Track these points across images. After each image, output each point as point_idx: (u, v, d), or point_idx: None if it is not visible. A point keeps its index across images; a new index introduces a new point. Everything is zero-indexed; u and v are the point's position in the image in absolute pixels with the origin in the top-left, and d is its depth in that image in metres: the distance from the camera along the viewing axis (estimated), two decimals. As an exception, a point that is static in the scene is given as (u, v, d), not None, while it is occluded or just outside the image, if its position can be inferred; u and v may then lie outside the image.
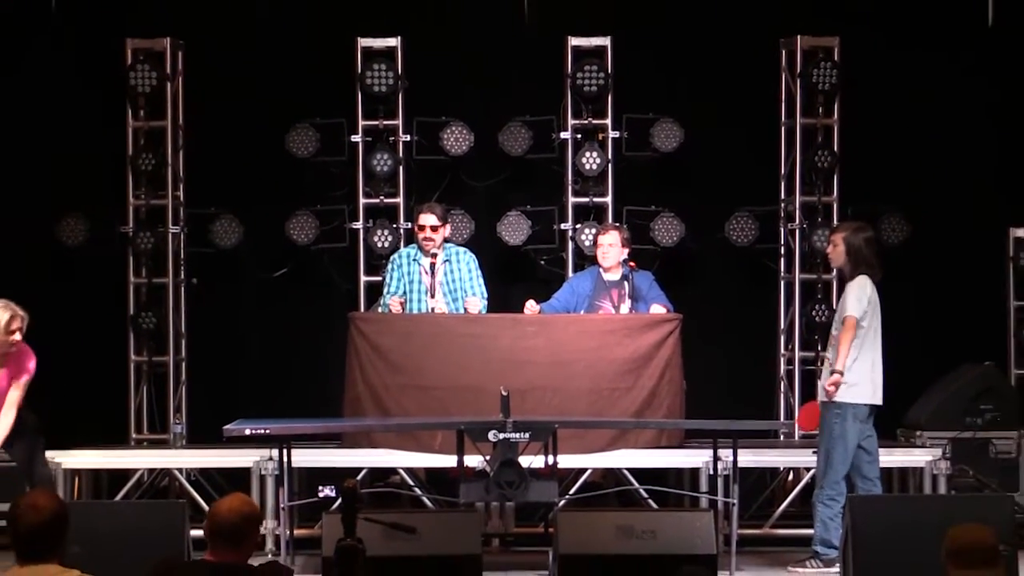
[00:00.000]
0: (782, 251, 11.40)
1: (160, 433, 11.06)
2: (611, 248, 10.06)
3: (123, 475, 10.07)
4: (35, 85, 11.09)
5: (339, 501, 5.16)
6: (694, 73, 11.31)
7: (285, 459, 8.86)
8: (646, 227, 11.11)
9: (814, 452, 9.79)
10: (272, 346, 11.38)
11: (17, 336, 8.39)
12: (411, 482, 9.77)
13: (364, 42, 11.13)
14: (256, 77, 11.19)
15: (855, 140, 11.25)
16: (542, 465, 8.37)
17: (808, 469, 10.14)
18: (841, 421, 8.66)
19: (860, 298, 8.67)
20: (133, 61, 11.04)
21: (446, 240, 10.07)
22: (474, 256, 10.15)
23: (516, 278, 11.32)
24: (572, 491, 9.56)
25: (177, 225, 11.19)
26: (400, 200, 11.21)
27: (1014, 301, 11.32)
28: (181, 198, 11.23)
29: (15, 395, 8.50)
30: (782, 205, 11.37)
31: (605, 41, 11.13)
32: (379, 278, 10.70)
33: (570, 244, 11.22)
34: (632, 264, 10.07)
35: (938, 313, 11.18)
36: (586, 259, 11.01)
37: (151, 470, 10.32)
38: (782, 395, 11.33)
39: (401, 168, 11.19)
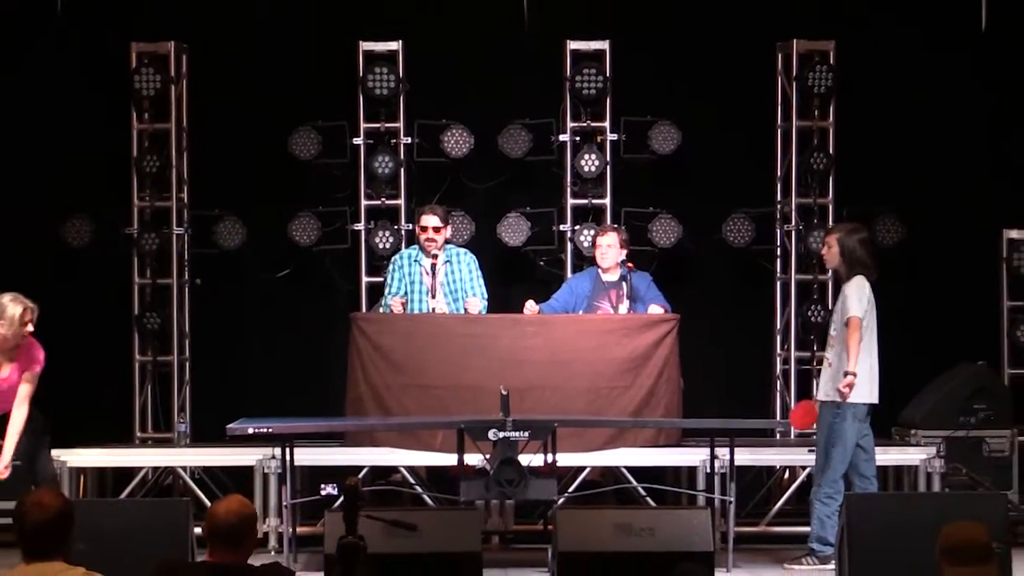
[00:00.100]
0: (778, 252, 11.39)
1: (164, 432, 11.06)
2: (609, 249, 10.07)
3: (128, 473, 10.07)
4: (41, 88, 11.09)
5: (341, 499, 5.15)
6: (692, 76, 11.31)
7: (288, 457, 8.87)
8: (644, 228, 11.11)
9: (810, 451, 9.80)
10: (275, 346, 11.38)
11: (30, 328, 8.39)
12: (412, 480, 9.77)
13: (365, 46, 11.13)
14: (259, 80, 11.19)
15: (850, 142, 11.25)
16: (541, 463, 8.37)
17: (804, 467, 10.15)
18: (841, 420, 8.65)
19: (861, 299, 8.67)
20: (138, 64, 11.04)
21: (447, 241, 10.07)
22: (474, 257, 10.15)
23: (516, 279, 11.32)
24: (571, 489, 9.55)
25: (181, 226, 11.19)
26: (401, 202, 11.21)
27: (1007, 301, 11.32)
28: (185, 200, 11.23)
29: (28, 388, 8.48)
30: (778, 207, 11.37)
31: (604, 45, 11.13)
32: (380, 279, 10.69)
33: (569, 245, 11.22)
34: (630, 265, 10.07)
35: (932, 313, 11.18)
36: (585, 260, 11.01)
37: (155, 468, 10.33)
38: (778, 394, 11.33)
39: (402, 170, 11.19)
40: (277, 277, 11.35)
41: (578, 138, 11.23)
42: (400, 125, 11.17)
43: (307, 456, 9.39)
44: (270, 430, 8.70)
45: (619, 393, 9.62)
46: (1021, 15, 11.29)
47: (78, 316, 10.72)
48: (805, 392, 10.91)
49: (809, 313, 11.22)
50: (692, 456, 9.66)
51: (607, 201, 11.21)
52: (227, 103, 11.17)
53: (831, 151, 11.25)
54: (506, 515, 9.60)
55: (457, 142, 11.13)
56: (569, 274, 11.05)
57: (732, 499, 8.92)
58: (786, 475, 10.61)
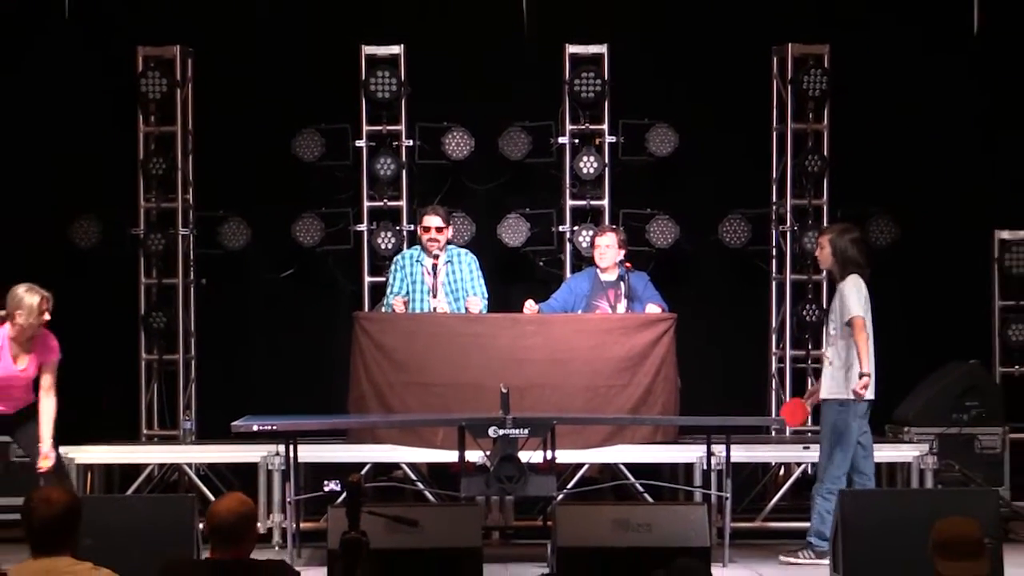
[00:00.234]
0: (773, 252, 11.39)
1: (170, 429, 11.06)
2: (608, 249, 10.06)
3: (134, 470, 10.06)
4: (49, 91, 11.08)
5: (344, 495, 5.14)
6: (689, 80, 11.30)
7: (291, 454, 8.87)
8: (642, 229, 11.11)
9: (805, 447, 9.82)
10: (279, 345, 11.38)
11: (47, 316, 8.40)
12: (413, 477, 9.77)
13: (368, 50, 11.14)
14: (263, 84, 11.19)
15: (844, 145, 11.24)
16: (541, 460, 8.36)
17: (799, 464, 10.16)
18: (843, 417, 8.65)
19: (859, 298, 8.66)
20: (144, 68, 11.04)
21: (448, 242, 10.07)
22: (475, 257, 10.15)
23: (515, 279, 11.32)
24: (570, 485, 9.55)
25: (187, 227, 11.19)
26: (403, 203, 11.21)
27: (999, 301, 11.32)
28: (190, 201, 11.23)
29: (51, 378, 8.50)
30: (773, 208, 11.37)
31: (602, 49, 11.13)
32: (383, 279, 10.69)
33: (568, 246, 11.22)
34: (628, 265, 10.06)
35: (925, 312, 11.18)
36: (583, 260, 11.01)
37: (161, 465, 10.32)
38: (773, 392, 11.33)
39: (404, 172, 11.19)
40: (281, 277, 11.35)
41: (577, 140, 11.23)
42: (402, 127, 11.17)
43: (310, 453, 9.39)
44: (274, 427, 8.70)
45: (617, 391, 9.61)
46: (1013, 18, 11.29)
47: (85, 315, 10.70)
48: (800, 390, 10.92)
49: (804, 312, 11.22)
50: (689, 453, 9.65)
51: (605, 202, 11.21)
52: (232, 106, 11.17)
53: (826, 153, 11.25)
54: (506, 511, 9.60)
55: (458, 144, 11.12)
56: (568, 274, 11.05)
57: (728, 495, 8.92)
58: (781, 471, 10.60)
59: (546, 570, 8.06)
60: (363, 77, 11.08)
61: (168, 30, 11.12)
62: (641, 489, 9.70)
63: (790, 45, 11.21)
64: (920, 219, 11.22)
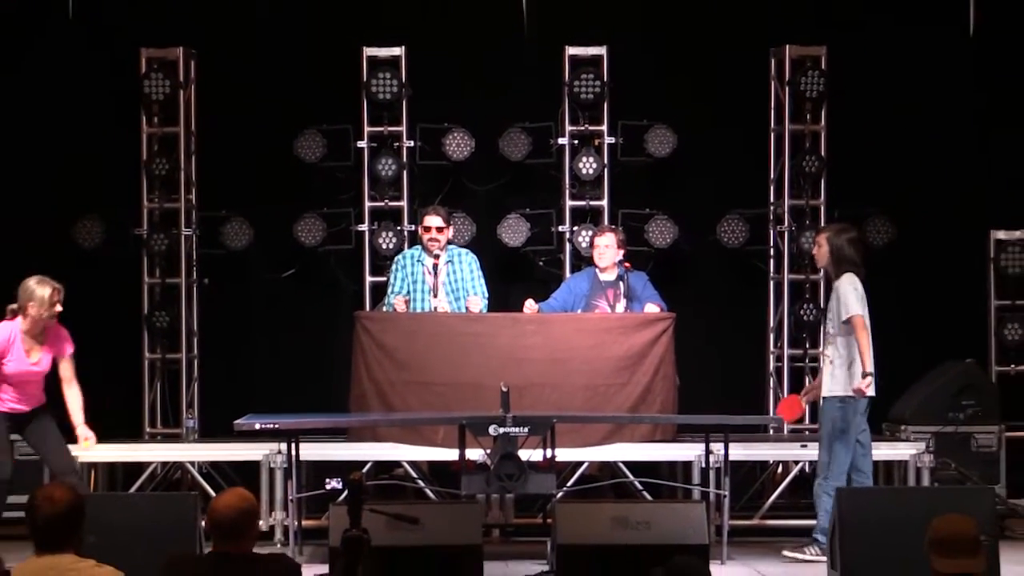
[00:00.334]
0: (771, 252, 11.39)
1: (173, 428, 11.05)
2: (607, 249, 10.06)
3: (137, 468, 10.06)
4: (53, 92, 11.07)
5: (345, 493, 5.14)
6: (687, 81, 11.30)
7: (293, 453, 8.88)
8: (640, 229, 11.10)
9: (802, 446, 9.81)
10: (281, 344, 11.38)
11: (58, 308, 8.41)
12: (414, 475, 9.76)
13: (369, 51, 11.13)
14: (265, 85, 11.18)
15: (842, 145, 11.24)
16: (541, 458, 8.36)
17: (797, 462, 10.16)
18: (844, 414, 8.63)
19: (856, 296, 8.64)
20: (147, 70, 11.03)
21: (449, 242, 10.06)
22: (475, 257, 10.15)
23: (515, 278, 11.31)
24: (569, 483, 9.55)
25: (189, 227, 11.19)
26: (404, 203, 11.20)
27: (995, 300, 11.32)
28: (193, 201, 11.22)
29: (70, 368, 8.58)
30: (771, 208, 11.37)
31: (601, 50, 11.13)
32: (384, 278, 10.68)
33: (567, 246, 11.21)
34: (627, 265, 10.05)
35: (922, 312, 11.18)
36: (583, 260, 11.00)
37: (164, 463, 10.32)
38: (771, 391, 11.32)
39: (405, 173, 11.18)
40: (283, 277, 11.34)
41: (576, 141, 11.22)
42: (403, 128, 11.17)
43: (312, 451, 9.39)
44: (276, 426, 8.70)
45: (616, 390, 9.61)
46: (1009, 20, 11.29)
47: (89, 315, 10.67)
48: (798, 389, 10.90)
49: (802, 312, 11.22)
50: (687, 451, 9.64)
51: (605, 203, 11.20)
52: (234, 107, 11.17)
53: (823, 154, 11.25)
54: (506, 509, 9.60)
55: (458, 145, 11.12)
56: (568, 274, 11.05)
57: (727, 493, 8.92)
58: (779, 469, 10.60)
59: (546, 567, 8.06)
60: (364, 78, 11.08)
61: (171, 32, 11.12)
62: (640, 487, 9.70)
63: (788, 47, 11.21)
64: (916, 219, 11.22)
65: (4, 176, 11.03)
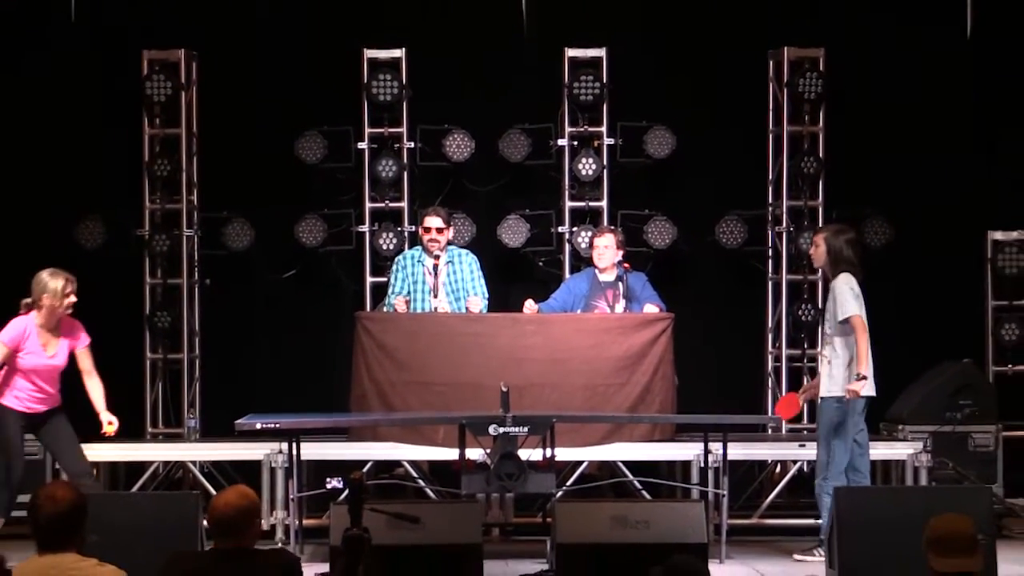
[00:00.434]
0: (770, 253, 11.39)
1: (175, 427, 11.05)
2: (606, 250, 10.06)
3: (139, 467, 10.06)
4: (55, 93, 11.08)
5: (346, 492, 5.14)
6: (686, 83, 11.30)
7: (294, 452, 8.87)
8: (640, 230, 11.11)
9: (801, 445, 9.81)
10: (282, 344, 11.37)
11: (72, 298, 8.42)
12: (415, 474, 9.77)
13: (370, 53, 11.13)
14: (266, 87, 11.19)
15: (840, 147, 11.24)
16: (540, 458, 8.35)
17: (795, 461, 10.15)
18: (841, 414, 8.62)
19: (853, 296, 8.62)
20: (149, 71, 11.03)
21: (449, 242, 10.06)
22: (475, 258, 10.15)
23: (515, 279, 11.31)
24: (569, 483, 9.55)
25: (191, 228, 11.18)
26: (404, 204, 11.20)
27: (992, 301, 11.31)
28: (195, 202, 11.22)
29: (89, 360, 8.61)
30: (770, 209, 11.37)
31: (601, 52, 11.13)
32: (384, 279, 10.68)
33: (567, 246, 11.22)
34: (626, 265, 10.05)
35: (920, 312, 11.17)
36: (582, 261, 11.00)
37: (166, 463, 10.31)
38: (770, 391, 11.32)
39: (405, 174, 11.18)
40: (284, 277, 11.35)
41: (576, 143, 11.22)
42: (403, 130, 11.17)
43: (313, 451, 9.38)
44: (277, 426, 8.70)
45: (615, 390, 9.61)
46: (1006, 22, 11.29)
47: (91, 315, 10.67)
48: (796, 388, 10.88)
49: (800, 312, 11.22)
50: (686, 451, 9.65)
51: (604, 204, 11.20)
52: (235, 109, 11.17)
53: (821, 155, 11.25)
54: (506, 508, 9.59)
55: (459, 146, 11.12)
56: (567, 274, 11.05)
57: (725, 492, 8.91)
58: (777, 469, 10.60)
59: (545, 566, 8.06)
60: (365, 80, 11.08)
61: (173, 34, 11.12)
62: (639, 486, 9.69)
63: (786, 49, 11.21)
64: (914, 220, 11.21)
65: (6, 177, 11.03)
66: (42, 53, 11.16)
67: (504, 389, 8.48)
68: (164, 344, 11.17)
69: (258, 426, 8.55)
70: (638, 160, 11.20)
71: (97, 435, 9.79)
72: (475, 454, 8.48)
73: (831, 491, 8.54)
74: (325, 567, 7.88)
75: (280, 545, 9.25)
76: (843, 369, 8.64)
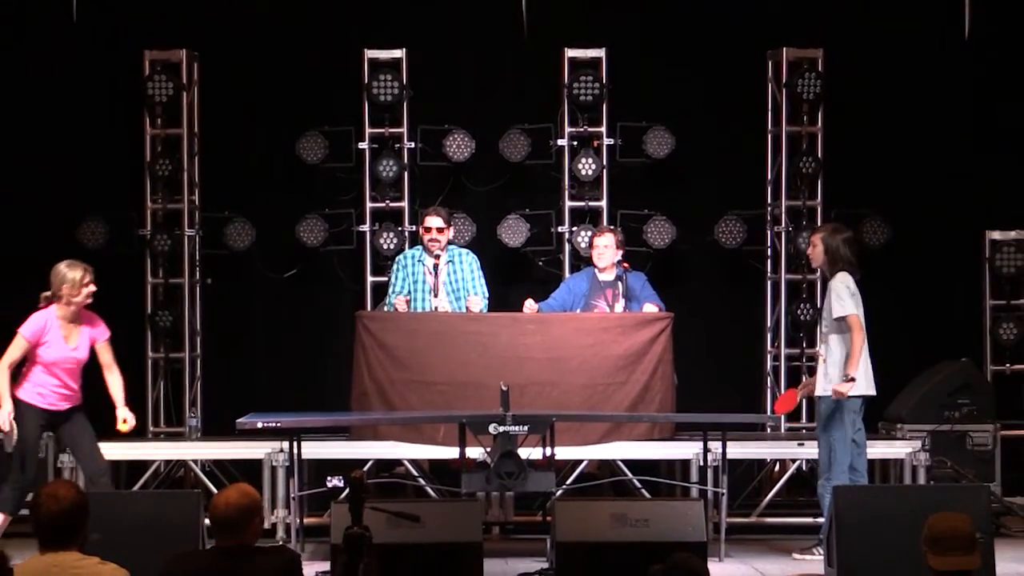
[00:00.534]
0: (768, 253, 11.39)
1: (176, 426, 11.04)
2: (606, 250, 10.05)
3: (141, 466, 10.05)
4: (57, 94, 11.07)
5: (347, 491, 5.14)
6: (685, 83, 11.30)
7: (295, 451, 8.87)
8: (639, 230, 11.10)
9: (800, 444, 9.81)
10: (283, 343, 11.37)
11: (92, 287, 8.43)
12: (415, 473, 9.76)
13: (370, 54, 11.13)
14: (267, 87, 11.19)
15: (838, 147, 11.24)
16: (540, 457, 8.35)
17: (794, 460, 10.14)
18: (839, 413, 8.60)
19: (849, 295, 8.60)
20: (151, 72, 11.03)
21: (449, 242, 10.06)
22: (476, 257, 10.14)
23: (515, 278, 11.31)
24: (569, 481, 9.55)
25: (192, 228, 11.18)
26: (405, 204, 11.20)
27: (990, 300, 11.31)
28: (196, 202, 11.22)
29: (110, 353, 8.62)
30: (769, 209, 11.36)
31: (600, 53, 11.13)
32: (385, 278, 10.68)
33: (567, 246, 11.21)
34: (626, 265, 10.05)
35: (918, 312, 11.18)
36: (582, 260, 11.00)
37: (167, 461, 10.31)
38: (769, 390, 11.32)
39: (406, 174, 11.18)
40: (285, 277, 11.34)
41: (575, 143, 11.22)
42: (404, 130, 11.17)
43: (314, 450, 9.38)
44: (278, 424, 8.69)
45: (615, 389, 9.60)
46: (1004, 22, 11.28)
47: (93, 314, 10.70)
48: (794, 388, 10.89)
49: (798, 312, 11.21)
50: (686, 449, 9.64)
51: (603, 203, 11.20)
52: (237, 109, 11.17)
53: (820, 155, 11.25)
54: (506, 506, 9.59)
55: (459, 146, 11.12)
56: (567, 274, 11.04)
57: (724, 491, 8.91)
58: (776, 468, 10.59)
59: (545, 565, 8.06)
60: (366, 80, 11.07)
61: (174, 34, 11.11)
62: (639, 485, 9.69)
63: (784, 49, 11.21)
64: (912, 220, 11.21)
65: (8, 177, 11.02)
66: (44, 53, 11.15)
67: (504, 388, 8.48)
68: (165, 343, 11.17)
69: (259, 425, 8.55)
70: (638, 160, 11.20)
71: (98, 434, 9.80)
72: (475, 453, 8.48)
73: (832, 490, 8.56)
74: (326, 565, 7.88)
75: (281, 543, 9.25)
76: (838, 368, 8.62)
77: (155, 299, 11.18)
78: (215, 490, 9.55)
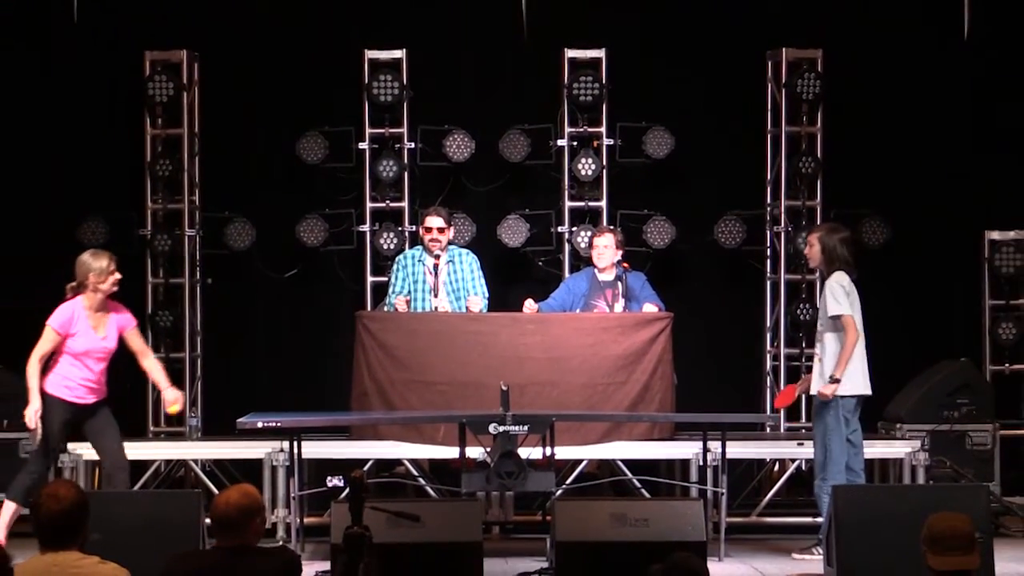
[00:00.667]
0: (768, 253, 11.39)
1: (176, 426, 11.03)
2: (606, 250, 10.05)
3: (141, 466, 10.03)
4: (58, 94, 11.08)
5: (347, 491, 5.13)
6: (685, 84, 11.30)
7: (295, 451, 8.87)
8: (639, 230, 11.10)
9: (799, 444, 9.80)
10: (283, 343, 11.37)
11: (117, 275, 8.43)
12: (415, 472, 9.76)
13: (371, 54, 11.13)
14: (268, 87, 11.19)
15: (837, 147, 11.24)
16: (540, 456, 8.35)
17: (793, 460, 10.14)
18: (835, 413, 8.60)
19: (844, 294, 8.59)
20: (151, 72, 11.03)
21: (449, 242, 10.06)
22: (476, 257, 10.14)
23: (515, 278, 11.31)
24: (569, 481, 9.55)
25: (193, 228, 11.18)
26: (405, 204, 11.20)
27: (989, 300, 11.31)
28: (197, 202, 11.22)
29: (140, 340, 8.67)
30: (768, 209, 11.36)
31: (600, 53, 11.13)
32: (385, 278, 10.68)
33: (567, 246, 11.21)
34: (625, 265, 10.05)
35: (917, 311, 11.18)
36: (582, 260, 11.00)
37: (168, 461, 10.31)
38: (768, 389, 11.32)
39: (406, 174, 11.18)
40: (285, 277, 11.34)
41: (575, 143, 11.22)
42: (404, 130, 11.17)
43: (314, 449, 9.38)
44: (278, 424, 8.69)
45: (615, 388, 9.60)
46: (1003, 23, 11.28)
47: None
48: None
49: (798, 311, 11.21)
50: (685, 449, 9.64)
51: (603, 204, 11.20)
52: (237, 109, 11.18)
53: (819, 155, 11.25)
54: (506, 506, 9.59)
55: (459, 147, 11.12)
56: (567, 274, 11.04)
57: (724, 490, 8.90)
58: (776, 467, 10.59)
59: (545, 564, 8.06)
60: (366, 81, 11.07)
61: (175, 35, 11.12)
62: (638, 485, 9.69)
63: (784, 50, 11.21)
64: (911, 220, 11.22)
65: (9, 177, 11.03)
66: (44, 54, 11.15)
67: (504, 388, 8.47)
68: (166, 343, 11.17)
69: (259, 425, 8.54)
70: (637, 160, 11.20)
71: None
72: (475, 453, 8.48)
73: (830, 491, 8.55)
74: (326, 565, 7.88)
75: (281, 543, 9.25)
76: (832, 366, 8.62)
77: (155, 299, 11.18)
78: (215, 490, 9.55)
